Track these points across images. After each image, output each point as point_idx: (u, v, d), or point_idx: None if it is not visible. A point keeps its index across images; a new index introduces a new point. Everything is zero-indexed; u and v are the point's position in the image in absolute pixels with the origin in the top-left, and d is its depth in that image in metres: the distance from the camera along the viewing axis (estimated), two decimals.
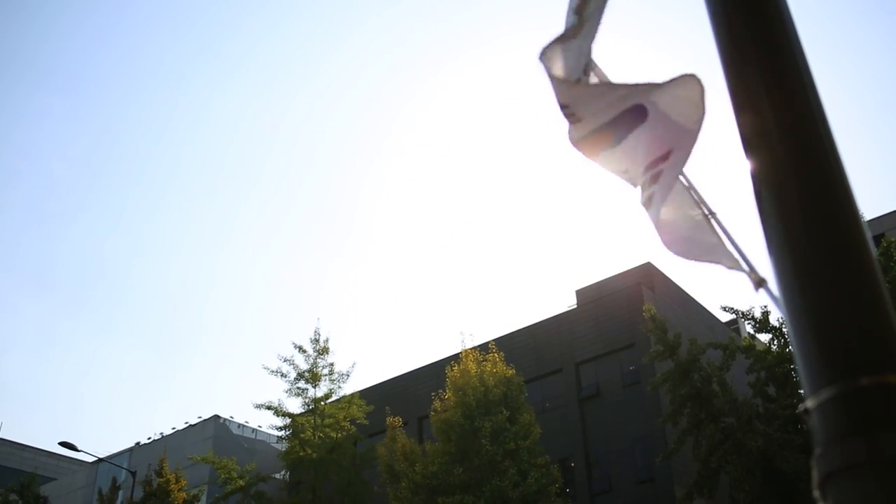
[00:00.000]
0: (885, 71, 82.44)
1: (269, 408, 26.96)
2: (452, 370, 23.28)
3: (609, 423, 27.63)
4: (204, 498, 31.80)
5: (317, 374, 27.40)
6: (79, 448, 29.07)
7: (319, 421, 26.79)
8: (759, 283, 2.01)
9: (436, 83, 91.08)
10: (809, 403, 1.37)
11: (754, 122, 1.63)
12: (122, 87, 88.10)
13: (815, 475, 1.34)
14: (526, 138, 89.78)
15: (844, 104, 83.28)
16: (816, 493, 1.35)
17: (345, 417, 26.97)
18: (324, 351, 27.78)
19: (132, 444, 44.64)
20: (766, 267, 1.66)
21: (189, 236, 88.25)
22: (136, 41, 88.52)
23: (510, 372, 23.25)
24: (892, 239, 17.52)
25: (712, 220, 2.58)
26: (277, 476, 31.36)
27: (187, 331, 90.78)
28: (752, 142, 1.62)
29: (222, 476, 26.83)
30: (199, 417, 43.39)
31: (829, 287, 1.40)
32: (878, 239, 19.42)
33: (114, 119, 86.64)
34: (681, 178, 2.68)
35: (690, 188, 2.80)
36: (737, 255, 2.37)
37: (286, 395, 27.86)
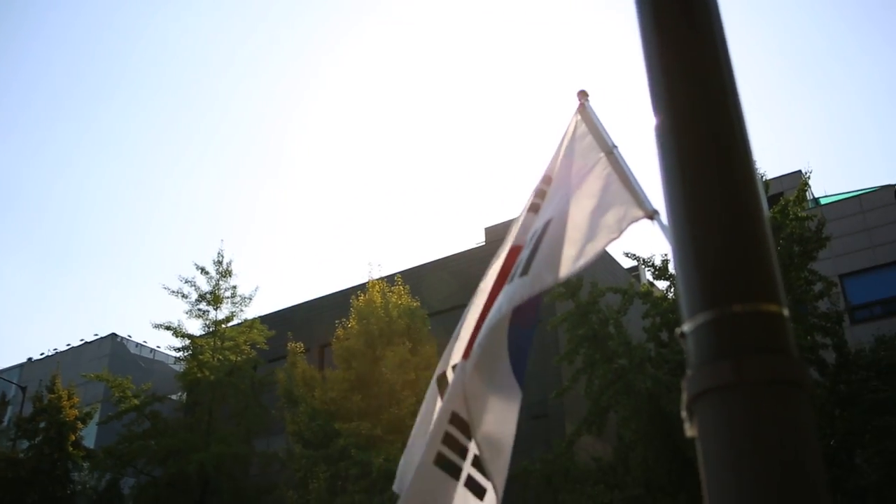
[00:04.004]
0: (801, 35, 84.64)
1: (168, 328, 26.52)
2: (358, 299, 23.32)
3: None
4: (97, 416, 31.24)
5: (219, 296, 27.06)
6: None
7: (219, 343, 26.55)
8: (652, 214, 2.08)
9: (370, 21, 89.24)
10: (685, 327, 1.43)
11: (661, 62, 1.65)
12: None
13: (684, 396, 1.40)
14: (444, 78, 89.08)
15: (775, 66, 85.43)
16: (684, 414, 1.41)
17: (245, 341, 26.81)
18: (227, 273, 27.41)
19: (24, 360, 43.45)
20: (659, 201, 1.71)
21: (89, 147, 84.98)
22: None
23: (415, 304, 23.44)
24: (790, 198, 18.18)
25: (615, 153, 2.68)
26: (174, 397, 31.07)
27: (85, 247, 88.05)
28: (657, 82, 1.65)
29: (116, 395, 26.40)
30: (96, 335, 42.50)
31: (713, 219, 1.45)
32: (777, 197, 20.13)
33: (25, 16, 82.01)
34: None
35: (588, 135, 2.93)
36: (636, 189, 2.45)
37: (186, 316, 27.46)
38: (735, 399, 1.30)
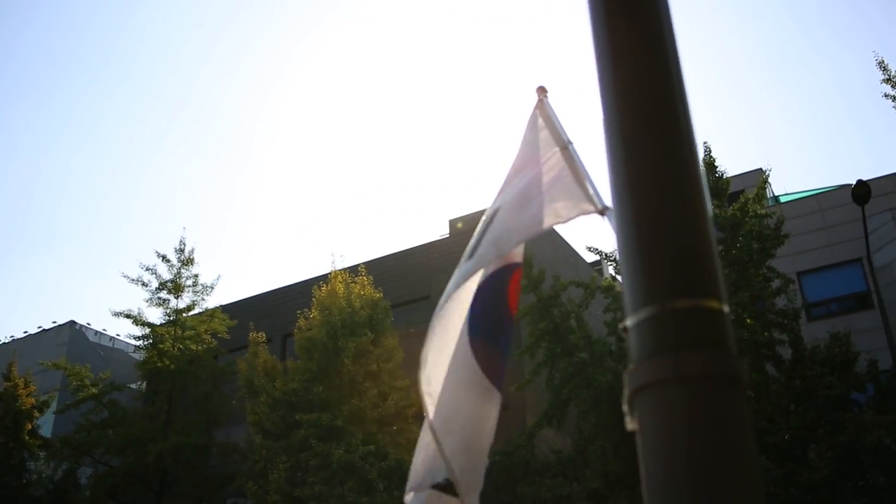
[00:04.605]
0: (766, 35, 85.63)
1: (127, 316, 26.21)
2: (320, 290, 23.23)
3: None
4: (54, 404, 30.82)
5: (180, 284, 26.79)
6: None
7: (180, 332, 26.30)
8: (603, 211, 2.11)
9: (336, 18, 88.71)
10: (628, 322, 1.45)
11: (610, 60, 1.66)
12: None
13: (626, 390, 1.42)
14: (409, 73, 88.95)
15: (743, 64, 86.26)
16: (625, 408, 1.43)
17: (206, 330, 26.57)
18: (188, 261, 27.13)
19: None
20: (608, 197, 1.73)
21: (48, 132, 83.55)
22: None
23: (378, 295, 23.40)
24: (750, 195, 18.40)
25: (570, 149, 2.70)
26: (133, 386, 30.73)
27: (43, 232, 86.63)
28: (605, 80, 1.66)
29: (74, 383, 26.06)
30: (54, 322, 41.90)
31: (657, 216, 1.47)
32: (737, 195, 20.36)
33: None
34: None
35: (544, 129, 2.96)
36: (588, 185, 2.48)
37: (147, 304, 27.18)
38: (673, 394, 1.32)
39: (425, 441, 3.36)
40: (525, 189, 2.87)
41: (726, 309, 1.41)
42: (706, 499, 1.23)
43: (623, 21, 1.67)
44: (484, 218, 3.12)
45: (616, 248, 1.49)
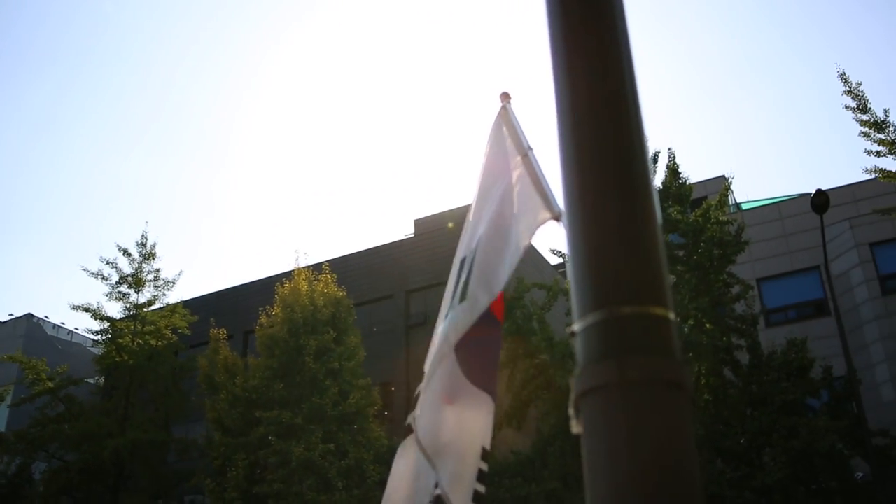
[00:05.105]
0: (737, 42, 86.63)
1: (86, 310, 25.86)
2: (283, 287, 23.10)
3: None
4: (9, 398, 30.30)
5: (141, 279, 26.49)
6: None
7: (140, 327, 26.00)
8: (558, 216, 2.13)
9: (305, 21, 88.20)
10: (576, 327, 1.46)
11: (564, 65, 1.67)
12: None
13: (573, 393, 1.43)
14: (376, 74, 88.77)
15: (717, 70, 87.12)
16: (571, 411, 1.44)
17: (167, 326, 26.31)
18: (150, 256, 26.83)
19: None
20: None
21: (8, 120, 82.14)
22: None
23: (341, 294, 23.32)
24: (712, 202, 18.62)
25: (530, 155, 2.73)
26: (91, 381, 30.34)
27: (1, 223, 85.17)
28: (559, 85, 1.67)
29: (30, 377, 25.64)
30: (11, 315, 41.24)
31: (606, 222, 1.48)
32: (699, 202, 20.59)
33: None
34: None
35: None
36: (546, 191, 2.50)
37: (106, 298, 26.83)
38: (616, 398, 1.33)
39: (404, 466, 3.32)
40: (500, 213, 2.90)
41: (672, 316, 1.43)
42: (645, 503, 1.25)
43: (578, 30, 1.68)
44: (468, 243, 3.16)
45: (567, 252, 1.50)
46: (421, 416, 3.19)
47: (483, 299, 2.86)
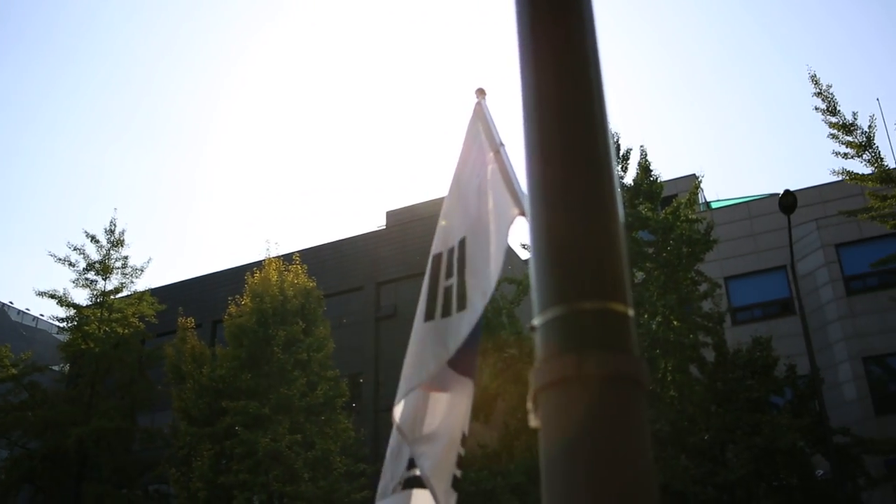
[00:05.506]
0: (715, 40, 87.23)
1: (52, 296, 25.56)
2: (253, 277, 22.97)
3: (402, 343, 27.78)
4: None
5: (108, 266, 26.20)
6: None
7: (106, 315, 25.74)
8: (524, 212, 2.14)
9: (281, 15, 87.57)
10: (536, 321, 1.47)
11: (531, 59, 1.68)
12: None
13: (531, 388, 1.44)
14: (350, 67, 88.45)
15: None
16: (530, 405, 1.45)
17: (134, 314, 26.07)
18: (118, 243, 26.54)
19: None
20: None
21: None
22: None
23: (311, 284, 23.24)
24: (682, 200, 18.77)
25: (502, 151, 2.74)
26: (55, 368, 30.00)
27: None
28: (525, 81, 1.67)
29: None
30: None
31: (567, 217, 1.49)
32: (670, 199, 20.73)
33: None
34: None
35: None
36: (515, 187, 2.51)
37: (73, 285, 26.54)
38: (574, 392, 1.34)
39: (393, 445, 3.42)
40: (479, 211, 2.95)
41: (631, 312, 1.44)
42: (600, 497, 1.26)
43: (545, 25, 1.69)
44: (444, 238, 3.20)
45: (529, 246, 1.51)
46: (404, 406, 3.24)
47: (479, 305, 2.92)
